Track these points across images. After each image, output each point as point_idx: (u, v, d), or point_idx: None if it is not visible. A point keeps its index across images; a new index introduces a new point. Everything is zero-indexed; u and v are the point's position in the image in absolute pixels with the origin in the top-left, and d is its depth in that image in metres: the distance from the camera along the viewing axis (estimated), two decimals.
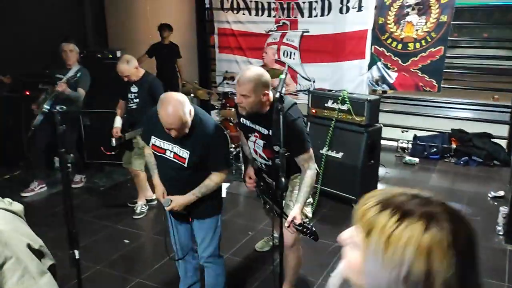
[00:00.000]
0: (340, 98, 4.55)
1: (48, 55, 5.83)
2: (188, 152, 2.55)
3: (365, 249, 0.81)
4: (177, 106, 2.40)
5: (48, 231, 3.93)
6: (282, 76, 2.28)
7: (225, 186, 5.18)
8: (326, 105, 4.71)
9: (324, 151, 4.65)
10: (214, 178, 2.63)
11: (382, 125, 4.76)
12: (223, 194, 4.84)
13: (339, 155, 4.61)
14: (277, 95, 2.18)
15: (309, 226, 2.48)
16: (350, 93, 4.65)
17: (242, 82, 2.53)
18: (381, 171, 5.40)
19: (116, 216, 4.40)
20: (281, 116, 2.20)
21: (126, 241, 3.94)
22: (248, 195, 4.96)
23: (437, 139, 6.14)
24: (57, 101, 4.51)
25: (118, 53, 5.47)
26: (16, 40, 5.86)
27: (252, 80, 2.52)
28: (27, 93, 5.65)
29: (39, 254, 1.16)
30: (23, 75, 5.72)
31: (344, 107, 4.53)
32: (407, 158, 5.98)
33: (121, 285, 3.30)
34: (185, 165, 2.56)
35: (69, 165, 2.17)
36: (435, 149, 6.04)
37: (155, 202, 4.68)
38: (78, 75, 4.73)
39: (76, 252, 2.28)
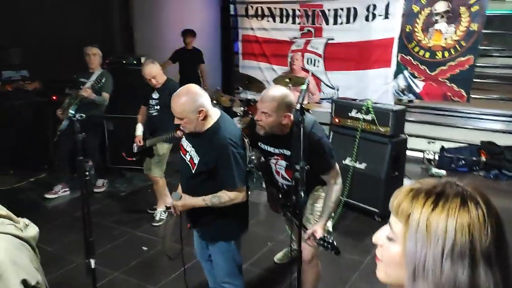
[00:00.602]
0: (364, 107, 4.44)
1: (75, 61, 5.94)
2: (198, 158, 2.42)
3: (404, 236, 0.87)
4: (186, 95, 2.30)
5: (67, 235, 4.00)
6: (304, 87, 2.21)
7: None
8: (349, 114, 4.60)
9: (347, 161, 4.55)
10: (229, 193, 2.40)
11: (407, 136, 4.62)
12: None
13: (362, 166, 4.49)
14: (298, 106, 2.11)
15: (330, 241, 2.40)
16: (374, 103, 4.54)
17: (265, 100, 2.43)
18: (406, 183, 5.27)
19: (136, 222, 4.40)
20: (301, 129, 2.12)
21: (145, 248, 3.93)
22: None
23: (466, 151, 5.94)
24: (81, 106, 4.56)
25: (143, 59, 5.51)
26: (45, 46, 5.99)
27: (276, 99, 2.41)
28: (54, 98, 5.76)
29: None
30: (51, 80, 5.83)
31: (368, 117, 4.42)
32: (434, 170, 5.80)
33: None
34: (193, 171, 2.43)
35: (87, 173, 2.15)
36: (463, 162, 5.84)
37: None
38: (103, 80, 4.77)
39: (92, 261, 2.26)
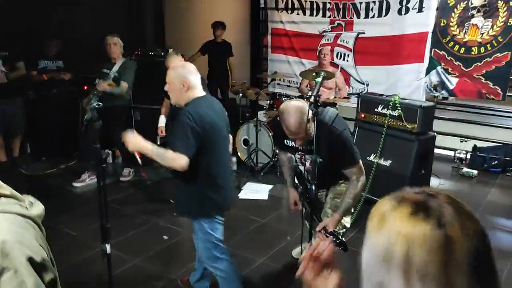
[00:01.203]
0: (391, 103, 4.33)
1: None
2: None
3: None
4: (178, 67, 2.61)
5: (92, 221, 4.07)
6: (319, 79, 2.18)
7: (267, 188, 5.13)
8: (376, 110, 4.50)
9: (371, 158, 4.46)
10: (171, 152, 2.45)
11: (435, 134, 4.48)
12: (265, 197, 4.86)
13: (387, 162, 4.40)
14: (312, 99, 2.08)
15: (339, 236, 2.37)
16: (402, 99, 4.42)
17: (294, 130, 2.45)
18: (434, 182, 5.12)
19: (159, 211, 4.48)
20: (315, 121, 2.10)
21: (165, 237, 3.99)
22: None
23: (500, 150, 5.70)
24: (105, 96, 4.67)
25: (170, 51, 5.56)
26: (79, 38, 6.17)
27: (298, 122, 2.41)
28: (85, 88, 5.92)
29: (40, 267, 1.14)
30: (83, 71, 5.99)
31: (395, 113, 4.31)
32: (465, 169, 5.60)
33: (154, 281, 3.34)
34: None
35: (103, 161, 2.19)
36: (496, 162, 5.61)
37: None
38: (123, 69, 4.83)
39: (108, 246, 2.31)
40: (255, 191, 5.07)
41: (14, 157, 5.61)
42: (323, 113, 2.52)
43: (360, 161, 2.61)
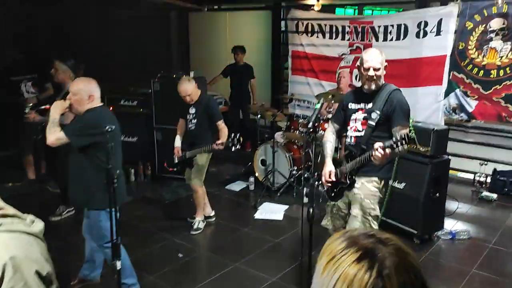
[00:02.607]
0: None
1: (135, 75, 6.37)
2: None
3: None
4: (83, 82, 3.17)
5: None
6: (318, 106, 2.27)
7: (283, 208, 5.19)
8: None
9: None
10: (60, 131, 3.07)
11: (450, 157, 4.47)
12: (280, 217, 4.92)
13: (401, 185, 4.40)
14: (310, 125, 2.18)
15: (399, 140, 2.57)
16: (416, 122, 4.45)
17: (373, 57, 2.97)
18: (453, 205, 5.07)
19: (175, 229, 4.60)
20: (313, 143, 2.18)
21: (180, 255, 4.10)
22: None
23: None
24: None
25: (192, 74, 5.77)
26: (105, 62, 6.48)
27: (380, 53, 3.01)
28: (111, 108, 6.19)
29: (46, 280, 1.27)
30: (110, 92, 6.26)
31: (412, 135, 4.33)
32: (484, 193, 5.52)
33: None
34: None
35: (115, 180, 2.33)
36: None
37: (213, 219, 4.83)
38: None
39: (118, 263, 2.43)
40: (271, 211, 5.14)
41: (42, 175, 5.87)
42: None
43: (408, 129, 2.98)
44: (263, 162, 5.83)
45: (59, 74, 4.77)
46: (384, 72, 3.09)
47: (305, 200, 5.20)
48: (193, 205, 5.07)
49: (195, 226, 4.62)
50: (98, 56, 6.48)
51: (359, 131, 3.12)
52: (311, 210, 2.39)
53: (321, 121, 5.53)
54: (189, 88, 4.33)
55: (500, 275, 3.80)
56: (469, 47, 5.72)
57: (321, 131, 5.49)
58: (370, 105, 3.07)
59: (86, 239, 3.43)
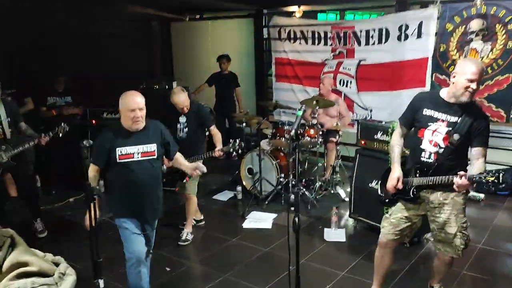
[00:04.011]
0: (389, 129, 4.36)
1: (118, 88, 6.26)
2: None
3: None
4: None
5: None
6: (299, 113, 2.23)
7: (272, 216, 5.13)
8: (375, 136, 4.53)
9: (373, 184, 4.46)
10: None
11: None
12: (268, 226, 4.85)
13: None
14: (293, 132, 2.14)
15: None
16: None
17: (475, 70, 2.66)
18: None
19: (162, 242, 4.49)
20: (297, 152, 2.14)
21: (168, 268, 4.01)
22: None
23: (507, 173, 5.59)
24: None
25: (174, 84, 5.73)
26: (86, 75, 6.39)
27: (482, 67, 2.73)
28: (94, 122, 6.11)
29: None
30: (92, 106, 6.18)
31: None
32: (472, 193, 5.52)
33: None
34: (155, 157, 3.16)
35: (95, 196, 2.27)
36: (503, 185, 5.51)
37: (203, 222, 4.83)
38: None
39: (101, 282, 2.35)
40: (259, 219, 5.08)
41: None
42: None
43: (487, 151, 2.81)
44: (250, 170, 5.77)
45: None
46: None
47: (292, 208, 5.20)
48: (179, 217, 5.02)
49: (183, 237, 4.55)
50: (80, 68, 6.39)
51: (441, 147, 2.84)
52: (296, 220, 2.32)
53: (306, 128, 5.51)
54: (186, 99, 4.37)
55: (490, 275, 3.79)
56: (450, 49, 5.77)
57: (307, 137, 5.49)
58: (454, 119, 2.79)
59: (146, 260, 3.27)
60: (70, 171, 5.98)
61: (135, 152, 3.03)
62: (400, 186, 2.95)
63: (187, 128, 4.50)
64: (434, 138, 2.86)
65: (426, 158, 2.90)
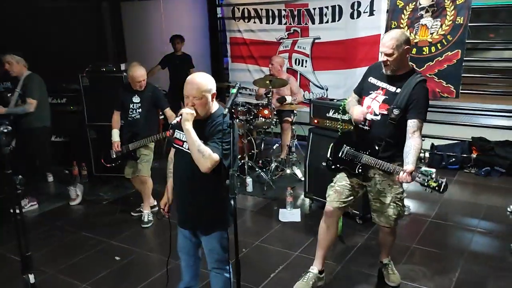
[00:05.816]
0: (341, 107, 4.33)
1: (64, 69, 5.94)
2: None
3: None
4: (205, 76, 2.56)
5: (35, 249, 3.97)
6: (234, 90, 2.13)
7: None
8: (327, 115, 4.50)
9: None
10: (213, 155, 2.37)
11: None
12: None
13: None
14: (226, 110, 2.04)
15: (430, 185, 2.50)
16: None
17: (385, 41, 2.73)
18: None
19: (112, 231, 4.36)
20: (233, 130, 2.04)
21: (117, 258, 3.88)
22: (253, 209, 4.82)
23: (456, 148, 5.77)
24: (17, 119, 4.60)
25: (123, 66, 5.49)
26: (39, 56, 6.00)
27: (394, 37, 2.71)
28: None
29: None
30: None
31: (346, 117, 4.31)
32: (423, 168, 5.59)
33: None
34: None
35: (18, 187, 2.11)
36: (453, 159, 5.67)
37: (157, 208, 4.70)
38: (27, 84, 4.64)
39: (31, 277, 2.22)
40: None
41: None
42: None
43: (423, 124, 2.79)
44: None
45: (15, 67, 4.68)
46: (407, 56, 2.82)
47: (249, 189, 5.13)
48: (132, 202, 4.89)
49: (145, 219, 4.49)
50: (25, 49, 5.98)
51: (375, 114, 2.89)
52: (232, 202, 2.24)
53: (260, 108, 5.43)
54: (144, 72, 4.30)
55: (440, 248, 3.86)
56: (401, 26, 5.78)
57: (261, 118, 5.41)
58: (393, 89, 2.83)
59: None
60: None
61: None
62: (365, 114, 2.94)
63: (140, 109, 4.39)
64: (372, 105, 2.91)
65: (362, 125, 2.97)
